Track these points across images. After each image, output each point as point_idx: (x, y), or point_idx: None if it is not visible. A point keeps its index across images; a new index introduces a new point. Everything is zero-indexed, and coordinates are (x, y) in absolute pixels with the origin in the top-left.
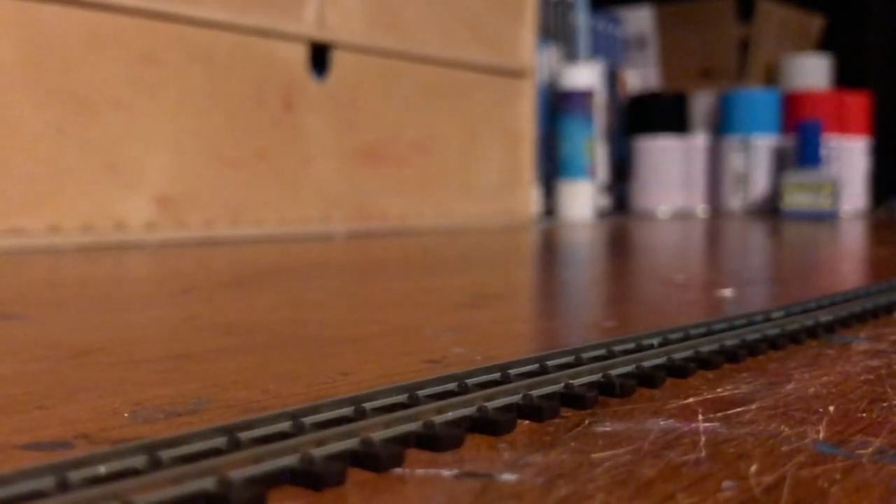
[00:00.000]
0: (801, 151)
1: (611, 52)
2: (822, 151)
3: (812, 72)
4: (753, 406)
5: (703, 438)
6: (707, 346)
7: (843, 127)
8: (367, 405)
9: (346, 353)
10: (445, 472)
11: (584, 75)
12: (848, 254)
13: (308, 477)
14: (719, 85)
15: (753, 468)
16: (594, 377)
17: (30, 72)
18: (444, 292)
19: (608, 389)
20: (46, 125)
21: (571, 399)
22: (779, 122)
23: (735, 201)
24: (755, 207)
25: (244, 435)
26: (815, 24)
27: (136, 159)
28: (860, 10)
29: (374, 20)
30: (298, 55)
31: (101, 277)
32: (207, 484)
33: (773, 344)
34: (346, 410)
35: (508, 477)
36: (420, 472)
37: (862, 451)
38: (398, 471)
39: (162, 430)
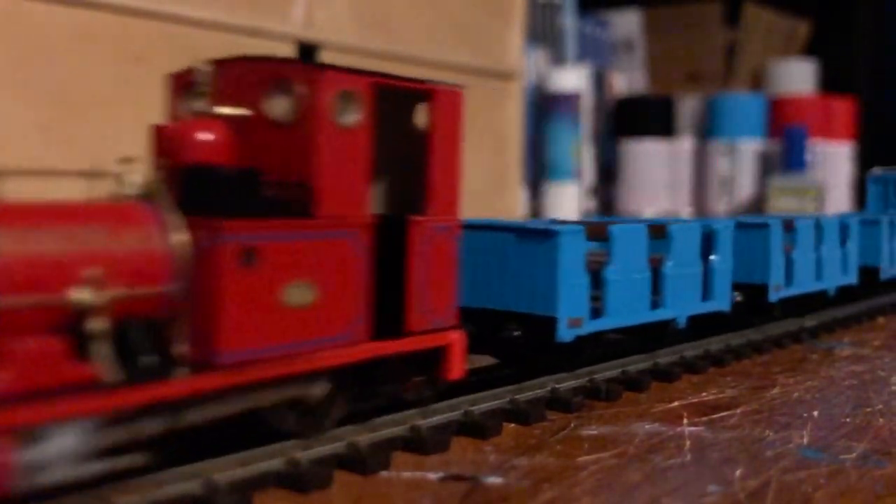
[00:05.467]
0: (787, 156)
1: (598, 55)
2: (808, 156)
3: (798, 77)
4: (738, 410)
5: (688, 442)
6: (692, 351)
7: (828, 132)
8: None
9: None
10: (431, 475)
11: (572, 78)
12: None
13: (294, 480)
14: (706, 89)
15: (738, 472)
16: (580, 381)
17: (14, 69)
18: None
19: (594, 393)
20: (31, 123)
21: (557, 403)
22: (764, 126)
23: (720, 205)
24: (740, 211)
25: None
26: (802, 29)
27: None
28: (846, 16)
29: (362, 21)
30: (286, 55)
31: None
32: (193, 487)
33: (758, 348)
34: None
35: (494, 480)
36: (406, 474)
37: (846, 456)
38: (384, 474)
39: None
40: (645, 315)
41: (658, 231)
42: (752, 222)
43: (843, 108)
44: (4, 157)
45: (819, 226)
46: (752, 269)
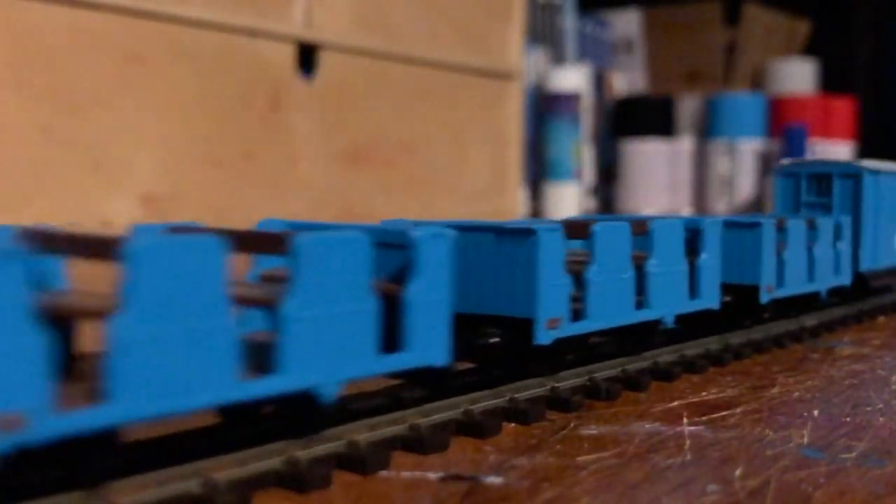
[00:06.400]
0: (787, 155)
1: (598, 55)
2: (808, 156)
3: (798, 76)
4: (738, 410)
5: (687, 442)
6: (692, 350)
7: (828, 131)
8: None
9: None
10: (431, 475)
11: (572, 78)
12: None
13: (294, 480)
14: (705, 88)
15: (738, 472)
16: (580, 380)
17: (14, 70)
18: None
19: (594, 393)
20: (31, 123)
21: (557, 402)
22: (764, 126)
23: (721, 205)
24: (741, 211)
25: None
26: (802, 29)
27: (121, 158)
28: (846, 15)
29: (362, 21)
30: (286, 55)
31: (86, 276)
32: (192, 486)
33: (758, 348)
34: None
35: (494, 479)
36: (406, 474)
37: (846, 456)
38: (384, 473)
39: (147, 431)
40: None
41: (271, 243)
42: (510, 227)
43: (842, 108)
44: (4, 158)
45: (644, 231)
46: (514, 300)
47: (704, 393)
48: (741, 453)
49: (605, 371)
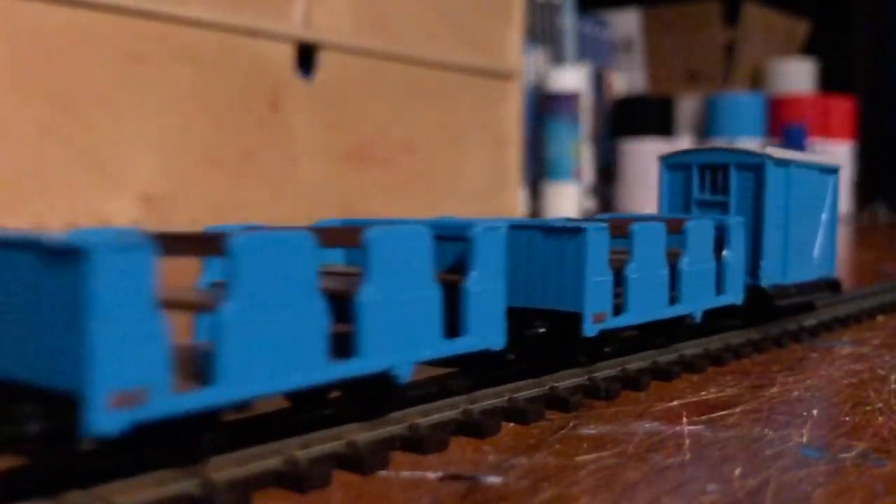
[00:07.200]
0: None
1: (597, 54)
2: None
3: (797, 76)
4: (737, 409)
5: (687, 441)
6: (691, 350)
7: (827, 131)
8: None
9: None
10: (430, 475)
11: (571, 78)
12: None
13: (293, 479)
14: (705, 88)
15: (737, 471)
16: (579, 380)
17: (15, 70)
18: None
19: (593, 392)
20: (31, 124)
21: (556, 402)
22: (764, 125)
23: None
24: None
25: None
26: (801, 28)
27: (121, 158)
28: (845, 14)
29: (362, 21)
30: (285, 55)
31: None
32: (192, 486)
33: (757, 347)
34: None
35: (493, 479)
36: (405, 474)
37: (845, 455)
38: (383, 473)
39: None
40: None
41: None
42: (45, 244)
43: (842, 108)
44: (4, 158)
45: (353, 244)
46: (55, 363)
47: (704, 392)
48: (740, 453)
49: (604, 371)
